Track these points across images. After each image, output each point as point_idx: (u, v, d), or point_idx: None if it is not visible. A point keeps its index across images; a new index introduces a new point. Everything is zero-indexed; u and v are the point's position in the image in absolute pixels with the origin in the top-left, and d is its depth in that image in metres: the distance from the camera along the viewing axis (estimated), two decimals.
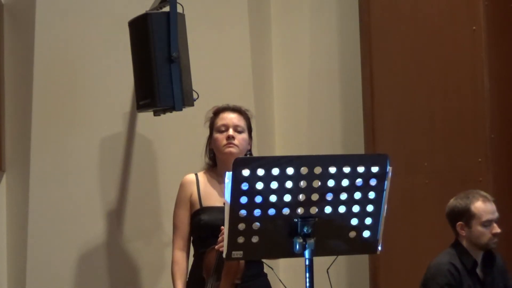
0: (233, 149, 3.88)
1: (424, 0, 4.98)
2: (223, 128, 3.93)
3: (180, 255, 3.94)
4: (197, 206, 3.92)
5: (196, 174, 4.01)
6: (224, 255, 2.87)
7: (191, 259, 4.01)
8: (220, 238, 3.69)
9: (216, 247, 3.72)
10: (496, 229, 4.03)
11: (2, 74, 4.85)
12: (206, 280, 3.78)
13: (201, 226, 3.89)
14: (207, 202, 3.92)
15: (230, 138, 3.88)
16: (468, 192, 4.11)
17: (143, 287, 4.85)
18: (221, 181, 3.93)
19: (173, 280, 3.93)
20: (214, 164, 4.02)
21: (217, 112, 4.01)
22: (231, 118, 3.95)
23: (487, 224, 4.03)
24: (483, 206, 4.04)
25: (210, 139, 4.00)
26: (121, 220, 4.83)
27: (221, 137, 3.91)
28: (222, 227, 3.66)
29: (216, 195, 3.92)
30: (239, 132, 3.93)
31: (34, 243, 4.65)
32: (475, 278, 4.05)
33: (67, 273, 4.70)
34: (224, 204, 3.74)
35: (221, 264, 3.70)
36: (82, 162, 4.77)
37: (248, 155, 3.92)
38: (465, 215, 4.04)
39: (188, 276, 3.97)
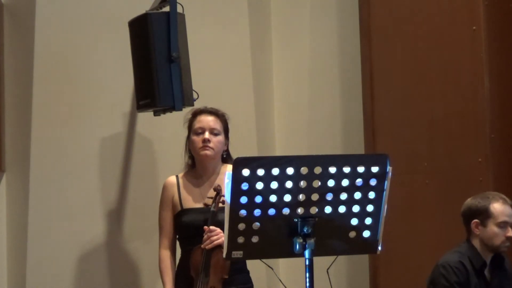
0: (208, 152, 4.08)
1: (424, 0, 4.97)
2: (199, 131, 4.12)
3: (166, 254, 4.15)
4: (179, 208, 4.12)
5: (177, 176, 4.21)
6: (224, 255, 2.89)
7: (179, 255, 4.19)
8: (205, 237, 3.91)
9: (202, 246, 3.93)
10: (510, 233, 4.05)
11: (2, 74, 4.85)
12: (195, 278, 3.96)
13: (183, 227, 4.09)
14: (187, 204, 4.12)
15: (205, 141, 4.07)
16: (488, 193, 4.16)
17: (143, 287, 4.85)
18: (199, 183, 4.15)
19: (161, 277, 4.14)
20: (194, 163, 4.20)
21: (195, 114, 4.20)
22: (207, 121, 4.12)
23: (502, 225, 4.04)
24: (501, 208, 4.06)
25: (188, 139, 4.17)
26: (121, 220, 4.83)
27: (197, 140, 4.10)
28: (206, 226, 3.93)
29: (195, 197, 4.12)
30: (215, 135, 4.11)
31: (34, 243, 4.65)
32: (482, 279, 4.06)
33: (67, 273, 4.70)
34: (203, 205, 4.00)
35: (208, 262, 3.92)
36: (82, 162, 4.77)
37: (224, 156, 4.14)
38: (482, 214, 4.06)
39: (176, 273, 4.14)
